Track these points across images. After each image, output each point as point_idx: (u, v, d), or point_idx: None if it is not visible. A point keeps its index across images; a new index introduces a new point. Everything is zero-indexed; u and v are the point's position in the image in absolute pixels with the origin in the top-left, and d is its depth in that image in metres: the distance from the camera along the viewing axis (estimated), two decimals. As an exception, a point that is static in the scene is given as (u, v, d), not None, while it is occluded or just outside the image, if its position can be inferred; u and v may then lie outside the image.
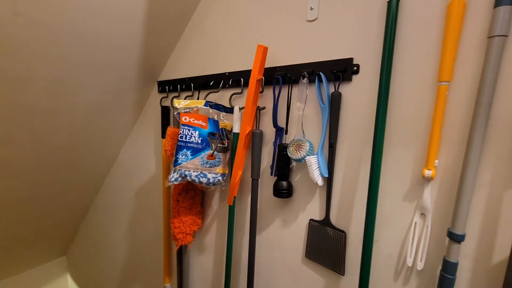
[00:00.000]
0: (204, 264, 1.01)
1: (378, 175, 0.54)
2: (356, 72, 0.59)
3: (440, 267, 0.52)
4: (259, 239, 0.82)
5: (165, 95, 1.05)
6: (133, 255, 1.39)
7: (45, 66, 0.81)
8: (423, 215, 0.53)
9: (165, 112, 1.04)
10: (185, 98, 0.95)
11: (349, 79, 0.60)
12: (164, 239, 1.12)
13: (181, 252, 1.03)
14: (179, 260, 1.03)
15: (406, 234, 0.56)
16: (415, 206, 0.54)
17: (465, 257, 0.50)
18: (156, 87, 1.10)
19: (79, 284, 1.97)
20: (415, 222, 0.54)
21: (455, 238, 0.47)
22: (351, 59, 0.59)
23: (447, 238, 0.50)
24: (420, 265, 0.53)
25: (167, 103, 1.05)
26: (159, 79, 1.08)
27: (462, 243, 0.48)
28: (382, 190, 0.57)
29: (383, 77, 0.52)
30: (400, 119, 0.54)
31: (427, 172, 0.50)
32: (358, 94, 0.59)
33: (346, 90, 0.61)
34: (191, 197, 0.92)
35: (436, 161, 0.50)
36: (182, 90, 0.97)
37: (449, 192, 0.50)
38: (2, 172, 1.04)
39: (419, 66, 0.51)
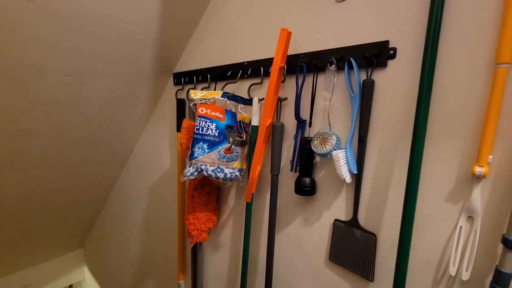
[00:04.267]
0: (219, 263, 0.97)
1: (418, 172, 0.48)
2: (393, 56, 0.53)
3: (490, 278, 0.45)
4: (278, 238, 0.77)
5: (180, 87, 1.01)
6: (148, 249, 1.38)
7: (57, 57, 0.79)
8: (470, 218, 0.47)
9: (181, 105, 1.00)
10: (201, 90, 0.91)
11: (384, 65, 0.54)
12: (179, 235, 1.09)
13: (196, 249, 0.99)
14: (194, 257, 1.00)
15: (448, 239, 0.49)
16: (460, 207, 0.48)
17: (523, 268, 0.43)
18: (171, 80, 1.07)
19: (96, 276, 2.00)
20: (460, 226, 0.48)
21: (513, 246, 0.41)
22: (386, 42, 0.53)
23: (501, 246, 0.43)
24: (465, 275, 0.47)
25: (182, 95, 1.02)
26: (175, 71, 1.05)
27: (520, 252, 0.41)
28: (421, 189, 0.50)
29: (426, 60, 0.46)
30: (445, 109, 0.48)
31: (479, 170, 0.43)
32: (394, 81, 0.53)
33: (380, 77, 0.55)
34: (207, 192, 0.88)
35: (490, 156, 0.43)
36: (198, 81, 0.94)
37: (505, 193, 0.43)
38: (19, 165, 1.05)
39: (472, 47, 0.44)
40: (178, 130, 1.01)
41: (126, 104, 1.08)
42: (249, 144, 0.77)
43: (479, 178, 0.44)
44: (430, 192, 0.50)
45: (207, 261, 1.02)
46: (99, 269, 1.94)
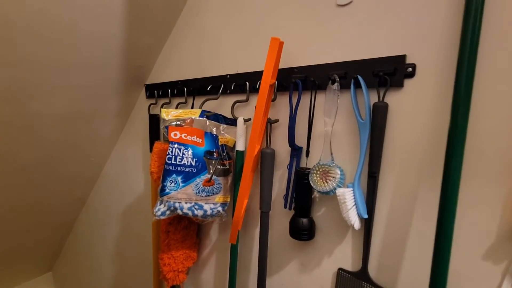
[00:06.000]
0: (201, 305, 0.84)
1: (452, 220, 0.37)
2: (411, 74, 0.42)
3: None
4: (269, 284, 0.65)
5: (153, 101, 0.88)
6: (121, 277, 1.22)
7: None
8: (517, 284, 0.37)
9: (154, 122, 0.87)
10: (177, 106, 0.78)
11: (400, 85, 0.43)
12: (154, 276, 0.94)
13: (173, 290, 0.85)
14: (171, 299, 0.86)
15: (488, 307, 0.39)
16: (503, 269, 0.38)
17: None
18: (143, 92, 0.93)
19: (67, 303, 1.81)
20: (504, 293, 0.37)
21: None
22: (403, 57, 0.42)
23: None
24: None
25: (156, 110, 0.88)
26: (147, 82, 0.91)
27: None
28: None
29: (461, 80, 0.35)
30: (485, 141, 0.38)
31: (533, 226, 0.33)
32: (413, 105, 0.43)
33: (395, 99, 0.44)
34: (184, 227, 0.75)
35: (548, 209, 0.33)
36: (173, 95, 0.81)
37: None
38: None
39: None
40: (151, 150, 0.87)
41: (91, 119, 0.93)
42: (233, 172, 0.65)
43: (532, 236, 0.34)
44: (463, 247, 0.40)
45: (187, 302, 0.88)
46: (70, 295, 1.75)
